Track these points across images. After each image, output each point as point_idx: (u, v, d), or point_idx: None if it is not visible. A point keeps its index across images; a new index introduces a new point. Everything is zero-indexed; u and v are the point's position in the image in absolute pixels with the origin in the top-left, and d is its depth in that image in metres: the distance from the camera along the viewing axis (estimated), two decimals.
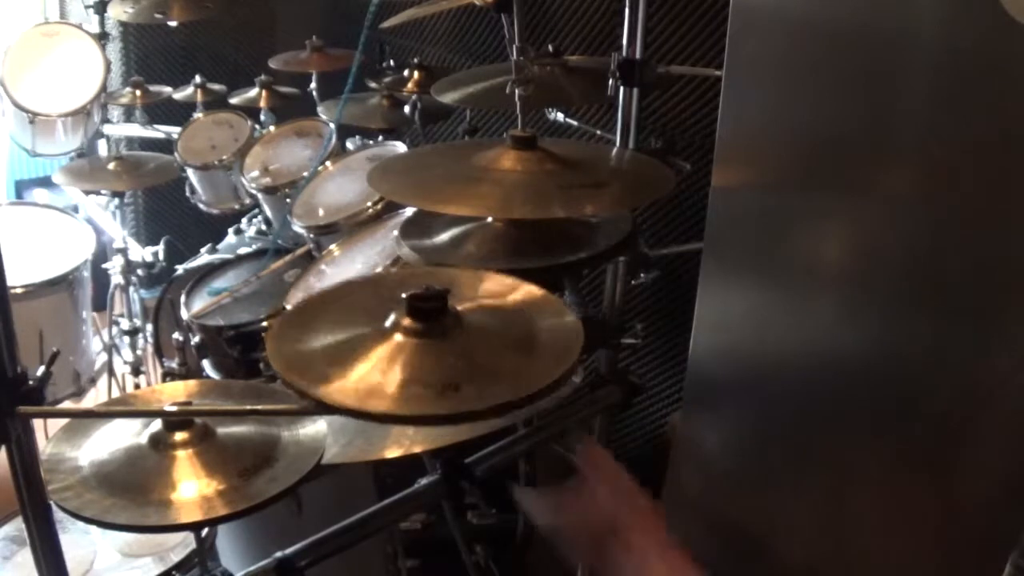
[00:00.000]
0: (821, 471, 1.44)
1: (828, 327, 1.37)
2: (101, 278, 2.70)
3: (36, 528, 1.03)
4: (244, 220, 2.50)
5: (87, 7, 2.90)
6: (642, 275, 1.72)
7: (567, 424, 1.62)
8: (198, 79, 2.74)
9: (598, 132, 2.08)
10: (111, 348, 2.73)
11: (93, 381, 2.52)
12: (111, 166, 2.65)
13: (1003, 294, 1.18)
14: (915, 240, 1.25)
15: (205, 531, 1.31)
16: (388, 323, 0.95)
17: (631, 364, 2.36)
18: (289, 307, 1.65)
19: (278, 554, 1.16)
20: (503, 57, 1.79)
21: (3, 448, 0.97)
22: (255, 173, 2.30)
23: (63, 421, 1.16)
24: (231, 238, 2.47)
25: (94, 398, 2.57)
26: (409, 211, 1.68)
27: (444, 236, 1.44)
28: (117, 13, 2.78)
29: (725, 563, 1.67)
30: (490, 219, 1.43)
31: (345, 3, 2.86)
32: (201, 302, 2.07)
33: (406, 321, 0.94)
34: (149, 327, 2.56)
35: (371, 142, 2.30)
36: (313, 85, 2.63)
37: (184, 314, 2.06)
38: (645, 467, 2.52)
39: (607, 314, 1.67)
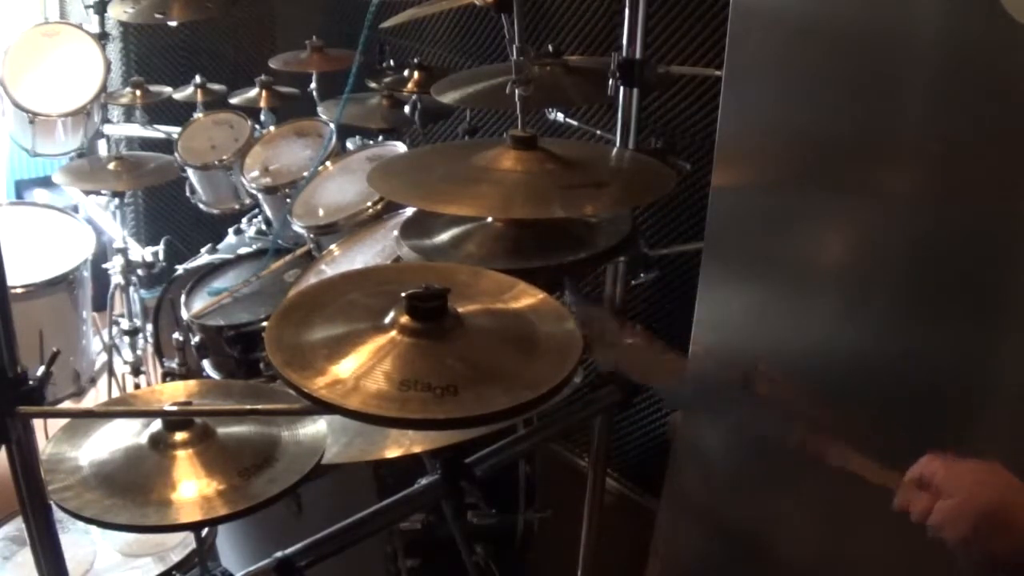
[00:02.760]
0: (820, 470, 1.44)
1: (828, 327, 1.37)
2: (101, 278, 2.69)
3: (36, 528, 1.03)
4: (244, 220, 2.50)
5: (87, 7, 2.89)
6: (642, 275, 1.72)
7: (567, 424, 1.62)
8: (198, 79, 2.73)
9: (598, 132, 2.08)
10: (111, 348, 2.73)
11: (93, 381, 2.52)
12: (111, 166, 2.65)
13: (1003, 294, 1.18)
14: (915, 240, 1.25)
15: (205, 531, 1.31)
16: (387, 320, 0.95)
17: None
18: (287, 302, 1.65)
19: (278, 554, 1.16)
20: (503, 57, 1.78)
21: (3, 448, 0.97)
22: (255, 173, 2.30)
23: (63, 421, 1.16)
24: (231, 238, 2.47)
25: (94, 398, 2.56)
26: (409, 211, 1.68)
27: (444, 236, 1.44)
28: (117, 13, 2.78)
29: (725, 562, 1.67)
30: (490, 219, 1.43)
31: (345, 3, 2.86)
32: (201, 302, 2.07)
33: (405, 320, 0.94)
34: (149, 327, 2.56)
35: (371, 142, 2.30)
36: (313, 85, 2.62)
37: (184, 314, 2.06)
38: (645, 467, 2.53)
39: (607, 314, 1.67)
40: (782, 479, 1.52)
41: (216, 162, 2.43)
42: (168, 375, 2.27)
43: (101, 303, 2.71)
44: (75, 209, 2.67)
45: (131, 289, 2.76)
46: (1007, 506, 0.80)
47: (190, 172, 2.50)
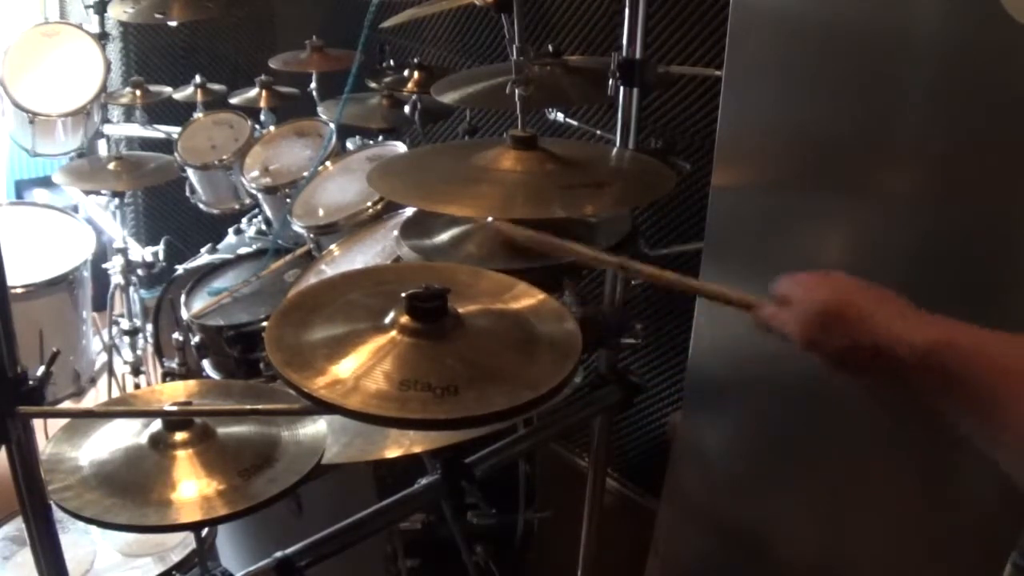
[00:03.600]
0: (820, 471, 1.44)
1: None
2: (101, 278, 2.69)
3: (36, 528, 1.03)
4: (244, 220, 2.50)
5: (87, 7, 2.89)
6: None
7: (567, 424, 1.62)
8: (198, 79, 2.73)
9: (598, 132, 2.08)
10: (111, 348, 2.73)
11: (93, 381, 2.52)
12: (111, 166, 2.65)
13: (1003, 294, 1.18)
14: (915, 240, 1.25)
15: (205, 531, 1.31)
16: (387, 320, 0.95)
17: (631, 364, 2.36)
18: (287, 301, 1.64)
19: (278, 554, 1.16)
20: (503, 57, 1.79)
21: (3, 448, 0.98)
22: (255, 173, 2.30)
23: (63, 421, 1.16)
24: (231, 238, 2.47)
25: (94, 398, 2.56)
26: (409, 211, 1.68)
27: (444, 236, 1.44)
28: (117, 13, 2.78)
29: (725, 562, 1.67)
30: (490, 219, 1.43)
31: (345, 3, 2.86)
32: (201, 302, 2.07)
33: (404, 320, 0.94)
34: (149, 327, 2.56)
35: (371, 142, 2.30)
36: (313, 85, 2.62)
37: (184, 314, 2.06)
38: (645, 467, 2.53)
39: (607, 314, 1.67)
40: (782, 479, 1.52)
41: (216, 162, 2.43)
42: (168, 375, 2.27)
43: (101, 303, 2.71)
44: (75, 209, 2.67)
45: (131, 289, 2.76)
46: (839, 303, 0.85)
47: (190, 172, 2.50)
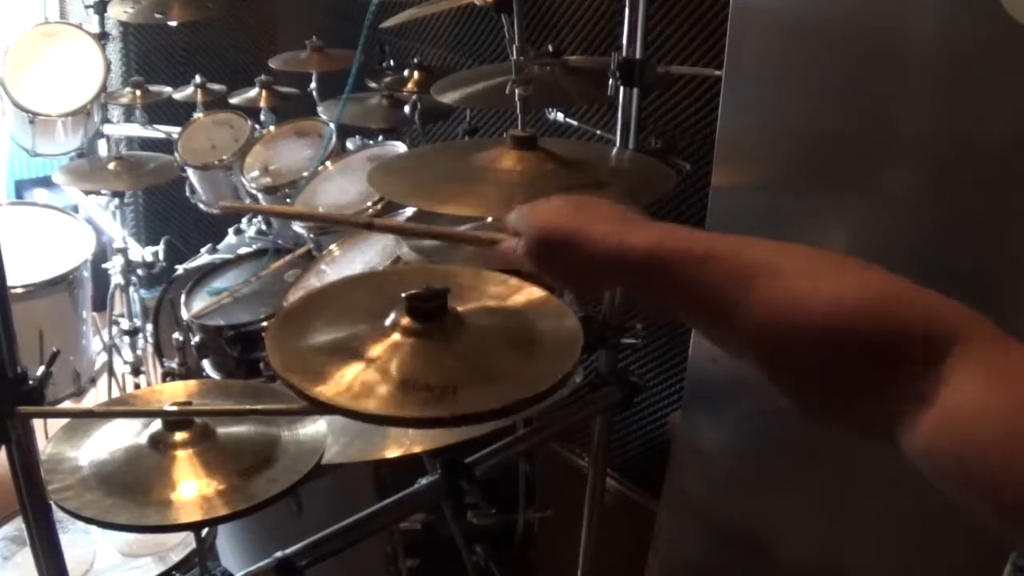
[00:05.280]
0: (821, 470, 1.44)
1: None
2: (101, 278, 2.69)
3: (36, 528, 1.03)
4: (244, 220, 2.50)
5: (87, 7, 2.89)
6: None
7: (567, 424, 1.62)
8: (198, 79, 2.73)
9: (598, 132, 2.08)
10: (111, 348, 2.72)
11: (93, 381, 2.51)
12: (111, 166, 2.65)
13: (1004, 294, 1.18)
14: (915, 240, 1.25)
15: (205, 531, 1.31)
16: (387, 322, 0.95)
17: (631, 364, 2.36)
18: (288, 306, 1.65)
19: (278, 554, 1.16)
20: (503, 57, 1.78)
21: (3, 448, 0.98)
22: (255, 173, 2.30)
23: (63, 421, 1.16)
24: (231, 238, 2.47)
25: (94, 398, 2.56)
26: (409, 211, 1.68)
27: None
28: (117, 13, 2.78)
29: (725, 562, 1.68)
30: (490, 219, 1.43)
31: (345, 3, 2.86)
32: (201, 302, 2.07)
33: (405, 321, 0.94)
34: (149, 327, 2.56)
35: (371, 142, 2.30)
36: (313, 85, 2.62)
37: (184, 314, 2.06)
38: (645, 467, 2.53)
39: (607, 314, 1.67)
40: (782, 479, 1.52)
41: (216, 162, 2.43)
42: (168, 375, 2.27)
43: (101, 303, 2.71)
44: (75, 209, 2.67)
45: (131, 289, 2.76)
46: (558, 225, 0.84)
47: (190, 172, 2.50)
